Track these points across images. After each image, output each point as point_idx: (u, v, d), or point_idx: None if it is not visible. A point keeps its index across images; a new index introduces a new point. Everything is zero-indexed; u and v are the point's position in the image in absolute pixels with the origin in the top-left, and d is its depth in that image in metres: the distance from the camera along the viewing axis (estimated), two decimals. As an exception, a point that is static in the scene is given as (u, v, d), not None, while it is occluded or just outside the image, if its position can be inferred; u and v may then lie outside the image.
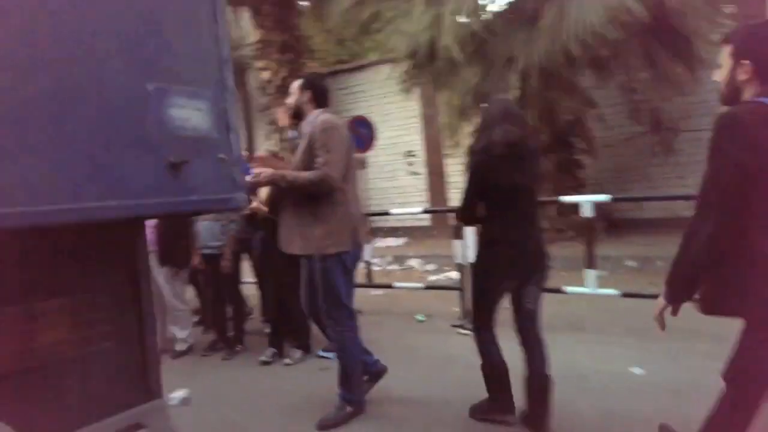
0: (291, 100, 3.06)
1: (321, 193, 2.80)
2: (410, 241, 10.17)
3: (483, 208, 2.62)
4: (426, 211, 8.80)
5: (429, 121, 10.37)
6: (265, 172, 2.86)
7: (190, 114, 1.40)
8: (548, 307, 2.89)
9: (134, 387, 1.56)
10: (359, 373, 3.13)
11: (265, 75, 10.17)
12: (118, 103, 1.29)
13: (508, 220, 2.56)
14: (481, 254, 2.73)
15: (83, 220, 1.23)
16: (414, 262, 8.51)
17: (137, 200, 1.31)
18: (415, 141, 10.82)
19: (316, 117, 2.93)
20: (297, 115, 3.05)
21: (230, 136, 1.50)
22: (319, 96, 3.01)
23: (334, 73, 11.47)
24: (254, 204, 3.74)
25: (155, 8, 1.38)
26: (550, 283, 2.87)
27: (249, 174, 2.94)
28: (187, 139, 1.40)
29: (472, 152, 2.68)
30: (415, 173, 10.87)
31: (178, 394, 3.35)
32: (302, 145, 2.91)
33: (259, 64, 10.31)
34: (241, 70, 11.67)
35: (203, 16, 1.47)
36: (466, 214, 2.70)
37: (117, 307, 1.52)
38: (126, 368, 1.55)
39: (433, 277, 7.45)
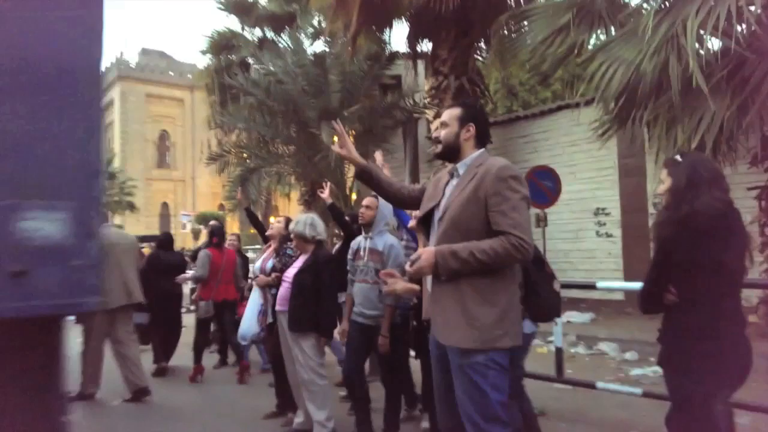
0: (443, 133, 2.40)
1: (507, 267, 2.19)
2: (597, 318, 8.53)
3: (674, 293, 2.28)
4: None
5: (628, 173, 8.98)
6: (424, 253, 2.22)
7: (42, 225, 1.46)
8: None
9: None
10: None
11: (435, 124, 9.83)
12: None
13: (713, 309, 2.19)
14: (681, 354, 2.25)
15: None
16: (606, 347, 6.91)
17: None
18: (609, 196, 9.42)
19: (481, 159, 2.32)
20: (448, 154, 2.40)
21: (89, 243, 1.54)
22: (484, 132, 2.42)
23: (513, 121, 10.95)
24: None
25: (24, 126, 1.45)
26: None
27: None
28: (34, 249, 1.45)
29: (667, 222, 2.28)
30: (607, 235, 9.42)
31: None
32: (462, 196, 2.23)
33: (429, 112, 10.08)
34: (411, 120, 11.65)
35: (77, 131, 1.52)
36: (650, 300, 2.35)
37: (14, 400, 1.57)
38: None
39: (636, 371, 5.81)
